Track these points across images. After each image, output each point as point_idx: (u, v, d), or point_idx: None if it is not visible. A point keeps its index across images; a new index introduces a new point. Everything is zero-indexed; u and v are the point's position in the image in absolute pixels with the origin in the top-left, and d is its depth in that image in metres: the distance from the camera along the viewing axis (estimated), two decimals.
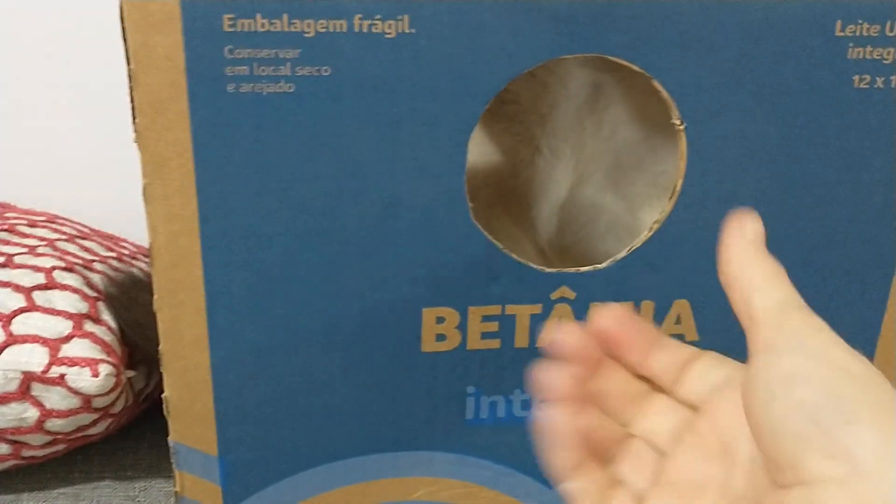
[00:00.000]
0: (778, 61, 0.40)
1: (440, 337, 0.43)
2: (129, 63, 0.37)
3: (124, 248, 0.64)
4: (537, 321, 0.43)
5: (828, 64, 0.40)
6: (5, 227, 0.58)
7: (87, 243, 0.60)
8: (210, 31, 0.36)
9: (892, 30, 0.40)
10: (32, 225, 0.60)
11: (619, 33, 0.38)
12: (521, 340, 0.43)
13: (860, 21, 0.39)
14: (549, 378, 0.33)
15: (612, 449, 0.34)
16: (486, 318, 0.43)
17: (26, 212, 0.65)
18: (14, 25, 0.73)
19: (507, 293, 0.42)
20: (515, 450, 0.46)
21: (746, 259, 0.30)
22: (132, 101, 0.37)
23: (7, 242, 0.55)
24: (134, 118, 0.38)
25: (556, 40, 0.38)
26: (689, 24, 0.38)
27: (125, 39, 0.36)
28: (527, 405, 0.45)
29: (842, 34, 0.40)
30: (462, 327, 0.43)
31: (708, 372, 0.33)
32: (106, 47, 0.68)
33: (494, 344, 0.43)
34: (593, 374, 0.34)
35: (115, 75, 0.70)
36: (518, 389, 0.45)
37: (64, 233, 0.60)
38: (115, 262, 0.58)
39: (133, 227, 0.68)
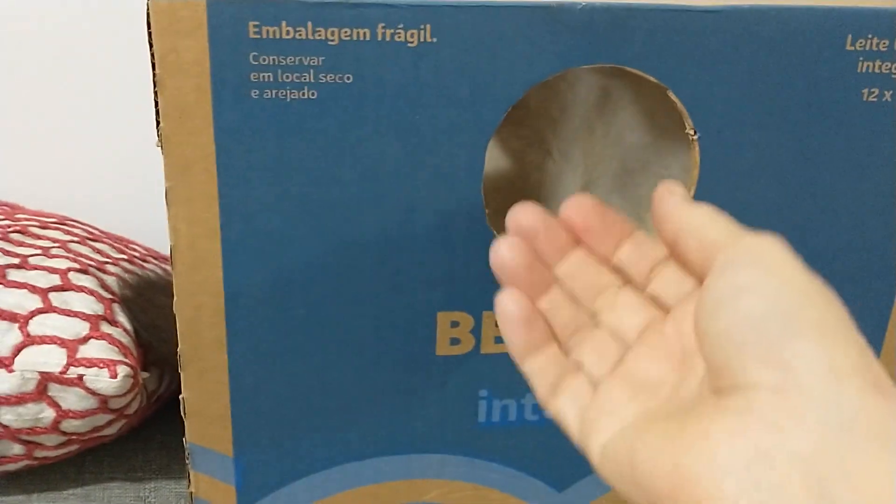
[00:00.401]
0: (789, 73, 0.40)
1: (454, 340, 0.44)
2: (154, 68, 0.37)
3: (134, 250, 0.64)
4: None
5: (838, 77, 0.41)
6: (17, 228, 0.59)
7: (98, 245, 0.60)
8: (235, 38, 0.37)
9: None
10: (44, 227, 0.61)
11: (635, 44, 0.39)
12: None
13: (870, 35, 0.40)
14: (504, 253, 0.34)
15: (576, 335, 0.34)
16: None
17: (36, 213, 0.66)
18: (34, 27, 0.73)
19: None
20: (526, 453, 0.47)
21: (685, 209, 0.31)
22: (157, 105, 0.38)
23: (21, 244, 0.56)
24: (158, 122, 0.38)
25: (574, 50, 0.38)
26: (703, 35, 0.39)
27: (151, 44, 0.37)
28: (537, 409, 0.46)
29: (852, 48, 0.40)
30: (476, 331, 0.43)
31: (684, 276, 0.33)
32: (121, 50, 0.69)
33: (507, 348, 0.44)
34: (560, 259, 0.34)
35: (123, 78, 0.71)
36: (529, 393, 0.45)
37: (75, 234, 0.61)
38: (126, 265, 0.59)
39: (142, 229, 0.69)
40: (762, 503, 0.24)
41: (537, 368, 0.34)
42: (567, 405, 0.33)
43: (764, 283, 0.27)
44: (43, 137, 0.77)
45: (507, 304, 0.34)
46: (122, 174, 0.77)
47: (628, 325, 0.34)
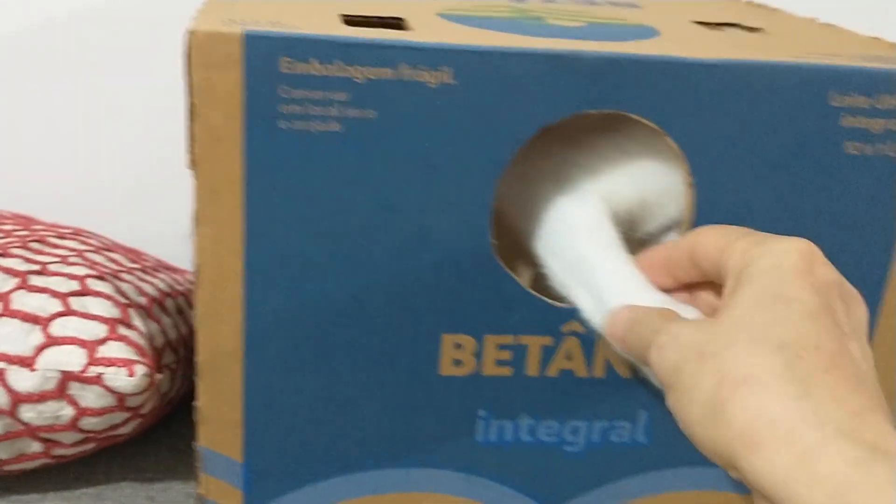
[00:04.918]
0: (776, 125, 0.43)
1: (457, 362, 0.46)
2: (190, 96, 0.40)
3: (146, 260, 0.67)
4: (548, 352, 0.46)
5: (821, 130, 0.44)
6: (36, 237, 0.61)
7: (112, 255, 0.63)
8: (268, 72, 0.39)
9: (881, 101, 0.43)
10: (61, 237, 0.63)
11: (639, 92, 0.42)
12: (531, 369, 0.47)
13: (852, 93, 0.43)
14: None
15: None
16: (501, 347, 0.46)
17: (52, 225, 0.68)
18: (73, 47, 0.76)
19: (522, 324, 0.46)
20: (519, 471, 0.49)
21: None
22: (190, 130, 0.41)
23: (40, 252, 0.58)
24: (191, 147, 0.41)
25: (583, 96, 0.41)
26: (699, 86, 0.42)
27: (188, 74, 0.40)
28: (533, 430, 0.48)
29: (836, 104, 0.43)
30: (478, 354, 0.46)
31: None
32: (151, 74, 0.72)
33: (506, 371, 0.47)
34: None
35: (145, 99, 0.74)
36: (525, 415, 0.48)
37: (91, 244, 0.63)
38: (139, 273, 0.61)
39: (151, 242, 0.72)
40: None
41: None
42: None
43: None
44: (60, 152, 0.79)
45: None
46: (137, 190, 0.80)
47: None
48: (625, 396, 0.48)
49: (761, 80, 0.42)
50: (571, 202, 0.46)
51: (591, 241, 0.44)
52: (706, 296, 0.43)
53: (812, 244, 0.36)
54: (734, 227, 0.40)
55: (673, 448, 0.49)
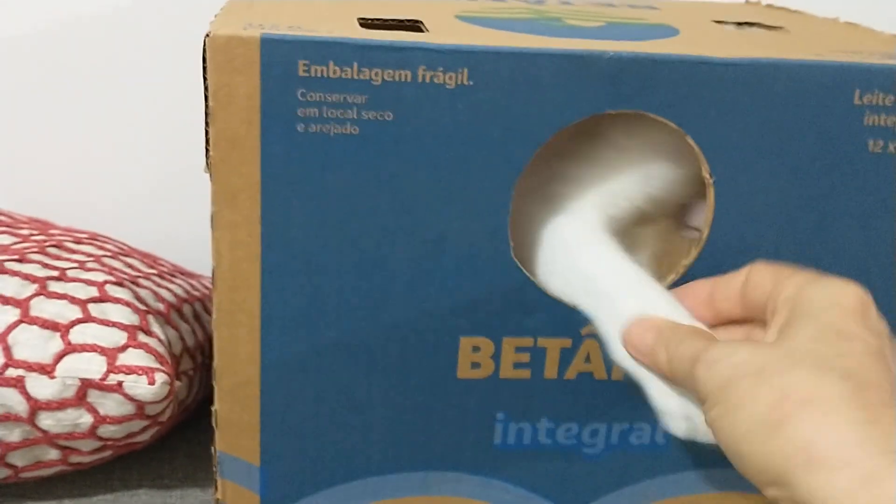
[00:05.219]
0: (800, 124, 0.43)
1: (475, 365, 0.46)
2: (207, 100, 0.40)
3: (163, 265, 0.67)
4: (567, 354, 0.46)
5: (846, 129, 0.43)
6: (53, 242, 0.61)
7: (129, 260, 0.63)
8: (286, 75, 0.39)
9: None
10: (78, 241, 0.63)
11: (659, 92, 0.41)
12: (550, 372, 0.46)
13: (876, 91, 0.43)
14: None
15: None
16: (519, 350, 0.46)
17: (68, 229, 0.68)
18: (89, 51, 0.76)
19: (540, 327, 0.45)
20: (538, 475, 0.49)
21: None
22: (207, 134, 0.41)
23: (58, 258, 0.58)
24: (208, 151, 0.41)
25: (603, 96, 0.41)
26: (721, 86, 0.42)
27: (206, 78, 0.40)
28: (551, 433, 0.48)
29: (859, 102, 0.43)
30: (496, 357, 0.46)
31: None
32: (169, 79, 0.72)
33: (525, 374, 0.46)
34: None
35: (166, 106, 0.74)
36: (545, 418, 0.48)
37: (108, 250, 0.63)
38: (157, 279, 0.61)
39: (168, 246, 0.72)
40: None
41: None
42: None
43: None
44: (75, 155, 0.80)
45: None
46: (154, 194, 0.80)
47: None
48: (644, 399, 0.47)
49: (784, 79, 0.42)
50: (563, 219, 0.46)
51: (589, 255, 0.45)
52: (722, 332, 0.43)
53: (865, 291, 0.38)
54: (787, 265, 0.41)
55: (692, 450, 0.49)
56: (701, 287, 0.44)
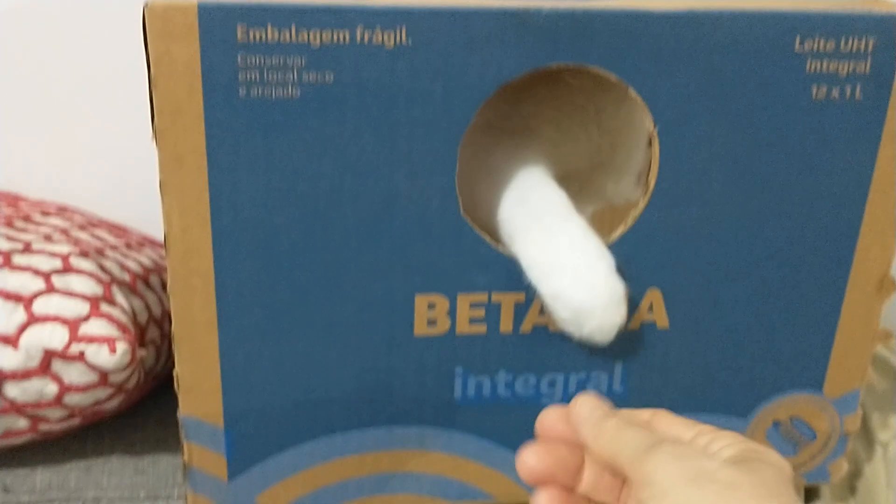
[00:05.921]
0: (742, 73, 0.43)
1: (431, 322, 0.47)
2: (149, 69, 0.40)
3: (131, 236, 0.67)
4: (521, 308, 0.47)
5: (788, 76, 0.44)
6: (21, 215, 0.62)
7: (97, 231, 0.63)
8: (225, 41, 0.40)
9: (846, 45, 0.43)
10: (45, 214, 0.64)
11: (598, 45, 0.42)
12: (505, 326, 0.47)
13: (817, 37, 0.43)
14: (529, 460, 0.38)
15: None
16: (474, 305, 0.47)
17: (37, 202, 0.68)
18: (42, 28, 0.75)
19: (494, 282, 0.46)
20: (500, 427, 0.50)
21: (594, 437, 0.38)
22: (151, 103, 0.41)
23: (24, 230, 0.59)
24: (153, 119, 0.41)
25: (541, 51, 0.41)
26: (662, 37, 0.42)
27: (146, 47, 0.40)
28: (510, 385, 0.49)
29: (800, 49, 0.43)
30: (451, 313, 0.47)
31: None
32: (118, 50, 0.71)
33: (481, 329, 0.47)
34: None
35: (121, 76, 0.73)
36: (502, 370, 0.48)
37: (75, 221, 0.64)
38: (124, 249, 0.62)
39: (138, 217, 0.72)
40: None
41: None
42: None
43: None
44: (46, 132, 0.79)
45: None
46: (118, 166, 0.80)
47: None
48: (600, 348, 0.48)
49: (723, 29, 0.42)
50: (520, 171, 0.47)
51: (541, 200, 0.45)
52: None
53: None
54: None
55: (649, 396, 0.50)
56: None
